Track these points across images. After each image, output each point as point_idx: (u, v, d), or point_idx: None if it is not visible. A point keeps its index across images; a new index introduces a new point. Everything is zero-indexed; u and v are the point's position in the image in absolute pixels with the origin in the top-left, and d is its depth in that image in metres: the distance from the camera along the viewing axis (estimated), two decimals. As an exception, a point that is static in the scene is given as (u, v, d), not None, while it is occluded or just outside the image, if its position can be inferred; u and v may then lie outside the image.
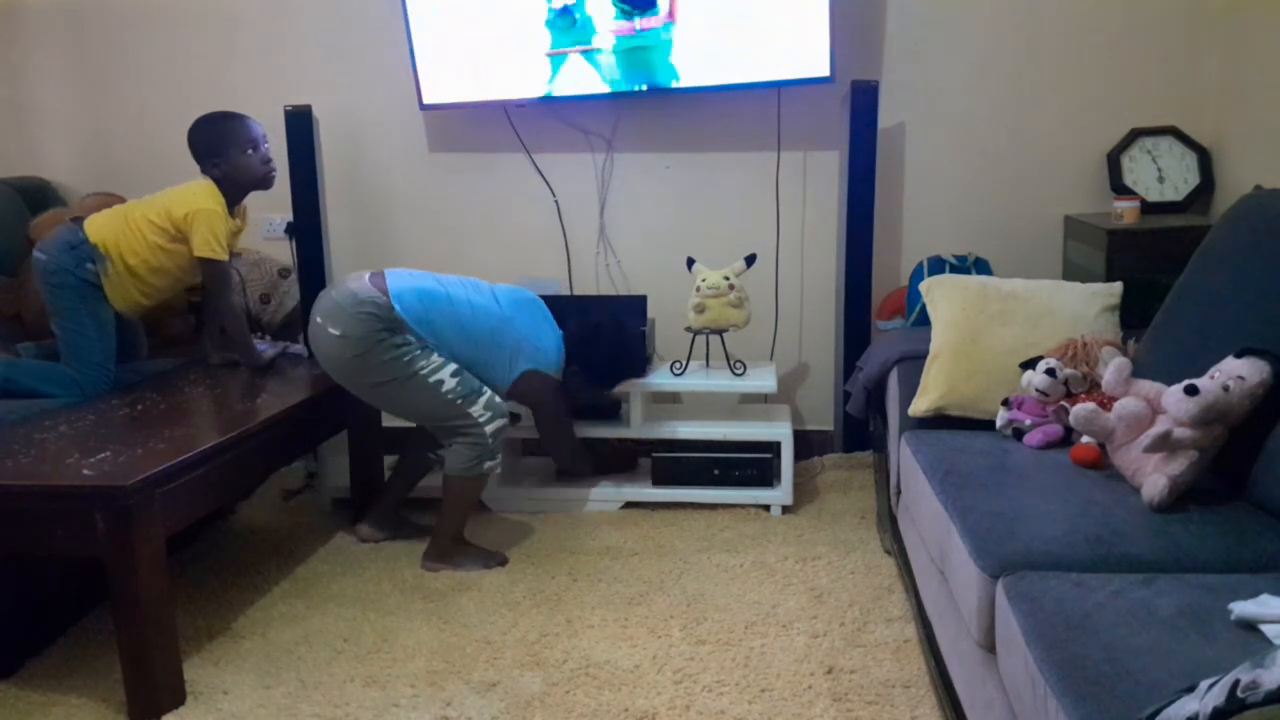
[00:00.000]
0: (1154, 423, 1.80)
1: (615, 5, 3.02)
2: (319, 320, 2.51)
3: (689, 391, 3.31)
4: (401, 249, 3.52)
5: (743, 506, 2.97)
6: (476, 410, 2.53)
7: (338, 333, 2.47)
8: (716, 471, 2.99)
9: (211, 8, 3.45)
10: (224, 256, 2.63)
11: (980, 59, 3.18)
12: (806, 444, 3.33)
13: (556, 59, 3.15)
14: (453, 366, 2.53)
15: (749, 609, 2.38)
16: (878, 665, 2.12)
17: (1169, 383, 1.81)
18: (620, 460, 3.17)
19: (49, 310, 2.62)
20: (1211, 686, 1.00)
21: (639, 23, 3.06)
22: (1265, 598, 1.37)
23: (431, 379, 2.49)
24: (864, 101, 2.98)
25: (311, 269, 3.26)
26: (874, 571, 2.55)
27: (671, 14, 3.04)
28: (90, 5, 3.50)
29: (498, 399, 2.59)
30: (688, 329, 3.05)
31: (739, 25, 3.03)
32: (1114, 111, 3.12)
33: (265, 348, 2.90)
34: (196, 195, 2.61)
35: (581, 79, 3.17)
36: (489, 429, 2.55)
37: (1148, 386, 1.91)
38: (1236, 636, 1.31)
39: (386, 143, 3.46)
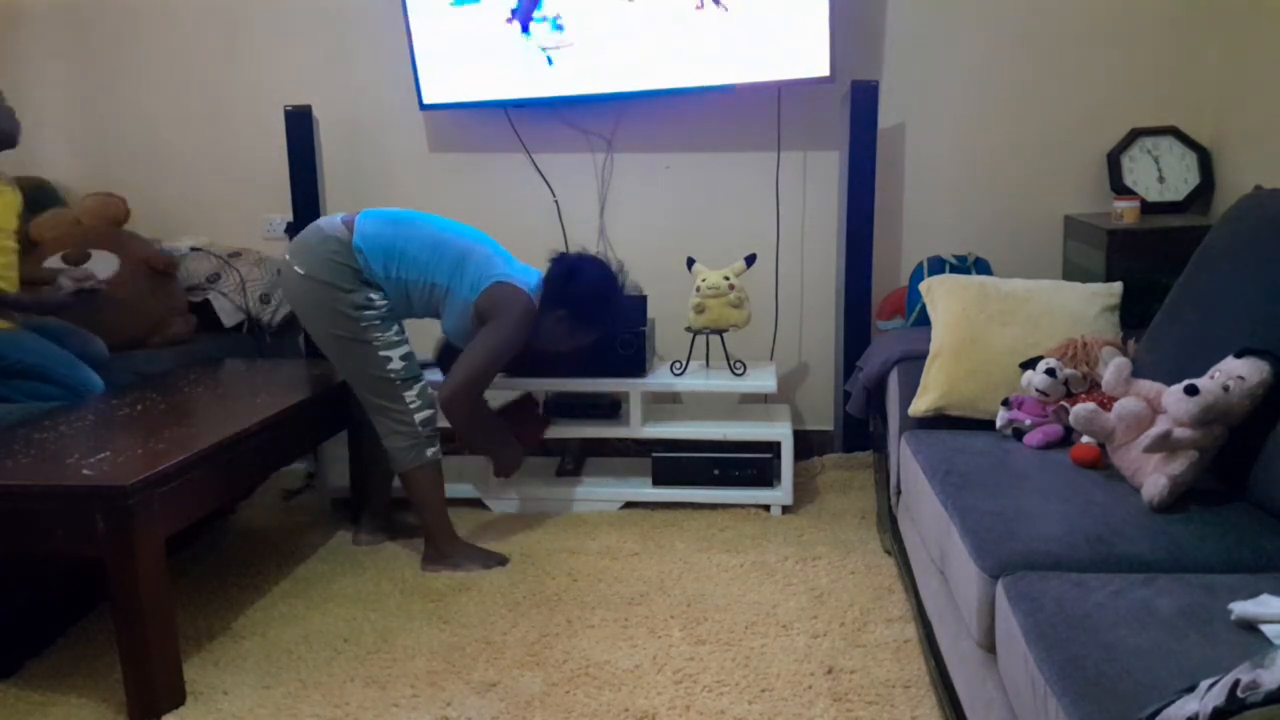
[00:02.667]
0: (1154, 423, 1.80)
1: None
2: (287, 258, 2.53)
3: (689, 391, 3.31)
4: (401, 249, 3.52)
5: (743, 506, 2.97)
6: (410, 396, 2.54)
7: (302, 271, 2.49)
8: (716, 471, 2.99)
9: (211, 8, 3.45)
10: None
11: (980, 59, 3.18)
12: (806, 444, 3.33)
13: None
14: (405, 349, 2.54)
15: (749, 609, 2.38)
16: (878, 665, 2.12)
17: (1169, 383, 1.81)
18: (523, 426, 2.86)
19: None
20: (1211, 686, 1.00)
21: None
22: (1265, 598, 1.37)
23: (381, 353, 2.50)
24: (864, 101, 2.98)
25: (311, 269, 3.26)
26: (874, 572, 2.55)
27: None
28: (90, 5, 3.50)
29: (430, 390, 2.59)
30: (688, 329, 3.05)
31: (739, 25, 3.03)
32: (1114, 111, 3.12)
33: (66, 284, 2.70)
34: None
35: (581, 79, 3.17)
36: (418, 417, 2.55)
37: (1148, 386, 1.91)
38: (1236, 636, 1.31)
39: (386, 143, 3.47)
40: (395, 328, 2.54)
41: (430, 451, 2.58)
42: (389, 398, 2.54)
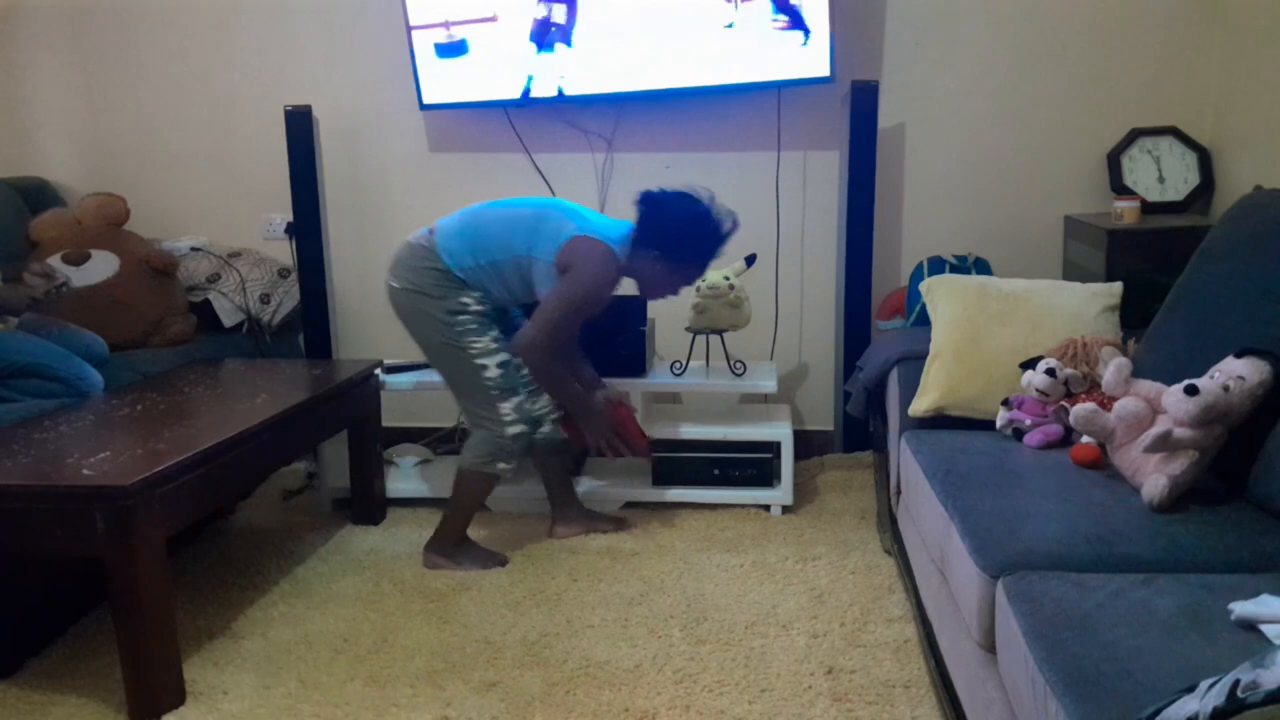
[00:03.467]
0: (1154, 423, 1.80)
1: None
2: (386, 276, 2.58)
3: (689, 391, 3.31)
4: (401, 249, 3.51)
5: (743, 506, 2.97)
6: (505, 409, 2.54)
7: (397, 285, 2.54)
8: (716, 471, 2.99)
9: (211, 8, 3.45)
10: None
11: (980, 59, 3.18)
12: (806, 444, 3.33)
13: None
14: (502, 358, 2.54)
15: (749, 609, 2.38)
16: (878, 665, 2.12)
17: (1169, 383, 1.81)
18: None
19: None
20: (1211, 686, 1.00)
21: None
22: (1265, 598, 1.37)
23: (477, 360, 2.51)
24: (864, 101, 2.98)
25: (311, 269, 3.26)
26: (874, 571, 2.55)
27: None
28: (90, 5, 3.50)
29: (527, 405, 2.58)
30: (688, 329, 3.05)
31: (740, 24, 3.03)
32: (1114, 111, 3.12)
33: (36, 283, 2.67)
34: None
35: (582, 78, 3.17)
36: (510, 431, 2.55)
37: (1148, 386, 1.91)
38: (1236, 636, 1.31)
39: (386, 143, 3.47)
40: (492, 334, 2.53)
41: (501, 466, 2.58)
42: (485, 406, 2.54)
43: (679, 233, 2.49)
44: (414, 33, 3.20)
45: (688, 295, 2.99)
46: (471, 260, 2.50)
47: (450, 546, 2.64)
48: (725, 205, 2.58)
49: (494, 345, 2.53)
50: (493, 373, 2.52)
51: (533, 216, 2.51)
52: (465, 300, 2.51)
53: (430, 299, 2.50)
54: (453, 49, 3.19)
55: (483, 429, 2.57)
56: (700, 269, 2.60)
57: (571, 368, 2.74)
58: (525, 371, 2.62)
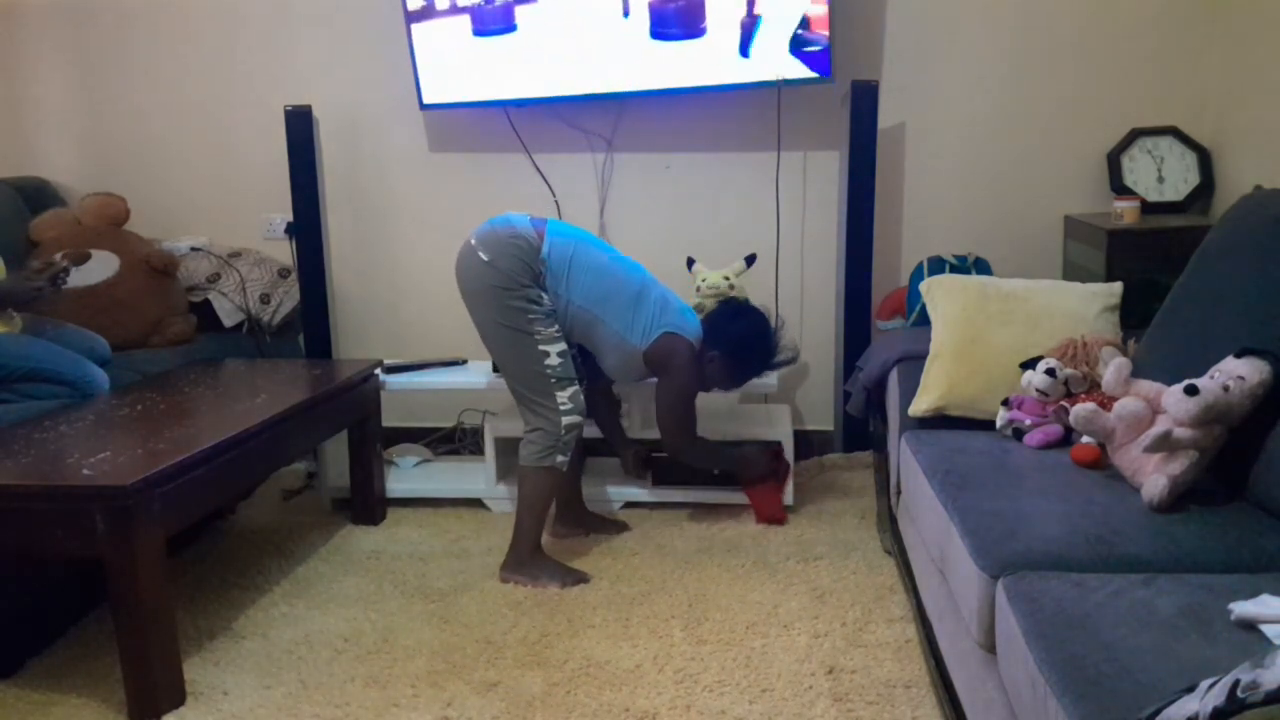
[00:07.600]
0: (1154, 423, 1.80)
1: None
2: (472, 243, 2.56)
3: (689, 391, 3.31)
4: (401, 249, 3.52)
5: (743, 506, 2.96)
6: (561, 398, 2.53)
7: (486, 258, 2.51)
8: (716, 472, 2.98)
9: (211, 8, 3.45)
10: None
11: (980, 59, 3.18)
12: (806, 444, 3.33)
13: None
14: (562, 346, 2.54)
15: (750, 609, 2.38)
16: (878, 665, 2.12)
17: (1169, 383, 1.81)
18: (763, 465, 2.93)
19: None
20: (1211, 686, 1.00)
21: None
22: (1265, 598, 1.37)
23: (540, 347, 2.51)
24: (864, 101, 2.98)
25: (311, 269, 3.26)
26: (875, 572, 2.55)
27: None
28: (90, 5, 3.50)
29: (582, 397, 2.58)
30: (688, 329, 3.05)
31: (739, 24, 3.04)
32: (1114, 111, 3.12)
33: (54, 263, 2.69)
34: None
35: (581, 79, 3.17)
36: (564, 421, 2.53)
37: (1148, 386, 1.91)
38: (1236, 636, 1.31)
39: (386, 143, 3.47)
40: (556, 325, 2.55)
41: (560, 459, 2.55)
42: (541, 394, 2.53)
43: (740, 343, 2.68)
44: (414, 30, 3.20)
45: (688, 294, 3.00)
46: (554, 283, 2.54)
47: (526, 559, 2.57)
48: (793, 339, 2.91)
49: (556, 334, 2.54)
50: (553, 361, 2.52)
51: (631, 292, 2.58)
52: (544, 294, 2.53)
53: (515, 284, 2.49)
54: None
55: (532, 414, 2.55)
56: (743, 380, 2.77)
57: (607, 426, 2.97)
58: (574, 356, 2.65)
